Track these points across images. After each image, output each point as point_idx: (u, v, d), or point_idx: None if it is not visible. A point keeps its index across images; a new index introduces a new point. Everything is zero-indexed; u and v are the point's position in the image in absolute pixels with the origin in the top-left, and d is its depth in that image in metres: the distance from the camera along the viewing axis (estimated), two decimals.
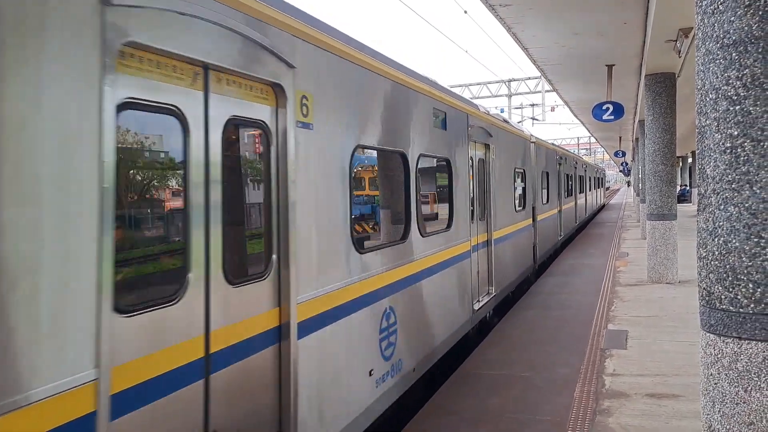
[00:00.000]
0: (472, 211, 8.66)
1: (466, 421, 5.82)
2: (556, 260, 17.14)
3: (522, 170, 12.87)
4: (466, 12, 22.39)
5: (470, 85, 34.14)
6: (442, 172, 7.59)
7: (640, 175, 25.11)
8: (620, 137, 34.93)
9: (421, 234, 6.40)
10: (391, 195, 6.35)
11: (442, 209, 7.70)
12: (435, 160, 7.21)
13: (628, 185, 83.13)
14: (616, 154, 40.92)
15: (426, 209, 7.15)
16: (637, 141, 25.59)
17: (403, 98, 6.07)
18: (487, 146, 9.66)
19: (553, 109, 37.78)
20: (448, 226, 7.49)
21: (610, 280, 13.40)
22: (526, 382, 6.84)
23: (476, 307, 8.61)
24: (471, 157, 8.66)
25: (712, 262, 3.20)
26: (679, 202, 42.08)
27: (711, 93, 3.17)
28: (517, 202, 12.28)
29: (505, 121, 12.17)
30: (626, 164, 50.71)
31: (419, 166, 6.43)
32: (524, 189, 13.20)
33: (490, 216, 9.68)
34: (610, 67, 13.68)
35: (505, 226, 10.86)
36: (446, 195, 7.63)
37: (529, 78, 33.91)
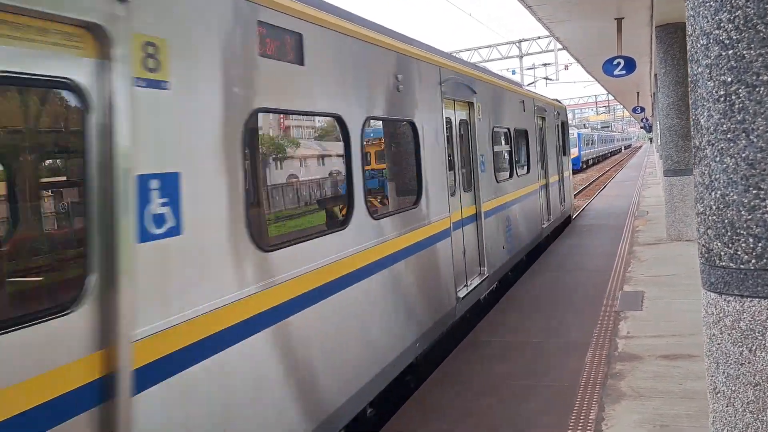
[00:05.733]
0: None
1: (474, 387, 5.75)
2: (571, 222, 16.91)
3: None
4: None
5: (479, 48, 33.55)
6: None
7: (658, 131, 24.56)
8: (638, 92, 34.14)
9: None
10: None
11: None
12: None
13: (651, 142, 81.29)
14: (634, 110, 40.05)
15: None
16: (654, 96, 25.00)
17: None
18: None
19: (566, 68, 37.05)
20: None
21: (627, 240, 13.18)
22: (536, 348, 6.73)
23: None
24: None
25: (710, 217, 3.04)
26: None
27: (702, 38, 2.97)
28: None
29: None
30: (647, 120, 49.59)
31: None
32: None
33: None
34: (619, 20, 13.25)
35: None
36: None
37: (540, 37, 33.23)
